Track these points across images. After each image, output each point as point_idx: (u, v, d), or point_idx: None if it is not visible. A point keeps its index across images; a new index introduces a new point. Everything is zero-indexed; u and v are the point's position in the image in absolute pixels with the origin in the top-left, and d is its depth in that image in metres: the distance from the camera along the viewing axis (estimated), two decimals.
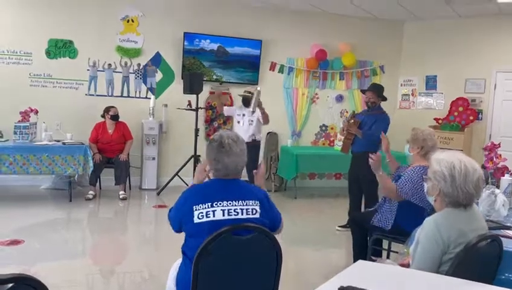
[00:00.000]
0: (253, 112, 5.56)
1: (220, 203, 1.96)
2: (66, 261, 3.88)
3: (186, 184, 6.42)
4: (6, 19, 6.28)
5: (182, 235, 2.12)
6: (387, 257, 3.62)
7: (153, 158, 6.70)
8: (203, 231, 1.88)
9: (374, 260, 3.15)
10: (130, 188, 6.45)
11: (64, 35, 6.50)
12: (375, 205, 3.76)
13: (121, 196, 5.99)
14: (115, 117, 6.17)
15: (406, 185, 3.22)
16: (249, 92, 5.74)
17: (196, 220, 1.95)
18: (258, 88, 5.63)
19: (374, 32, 7.66)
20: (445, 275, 1.76)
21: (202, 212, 1.95)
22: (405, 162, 3.67)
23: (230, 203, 1.97)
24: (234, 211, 1.96)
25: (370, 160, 3.37)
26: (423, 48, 7.64)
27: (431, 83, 7.69)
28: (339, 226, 5.12)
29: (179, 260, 2.24)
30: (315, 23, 7.42)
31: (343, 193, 5.98)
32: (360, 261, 1.83)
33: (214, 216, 1.94)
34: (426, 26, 7.63)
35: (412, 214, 3.13)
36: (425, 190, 2.06)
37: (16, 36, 6.30)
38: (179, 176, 6.39)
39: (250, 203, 2.01)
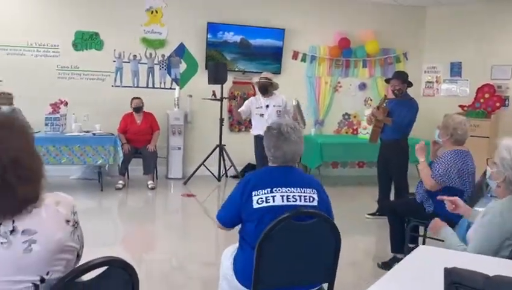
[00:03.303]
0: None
1: (280, 189, 2.01)
2: (98, 248, 3.91)
3: (212, 173, 6.50)
4: (34, 12, 6.37)
5: (212, 224, 2.13)
6: (423, 243, 3.64)
7: (179, 148, 6.78)
8: (263, 215, 1.93)
9: (412, 248, 3.19)
10: (156, 178, 6.54)
11: (90, 27, 6.57)
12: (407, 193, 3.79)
13: (149, 186, 6.09)
14: (138, 109, 6.24)
15: (439, 168, 3.25)
16: (267, 79, 5.22)
17: (255, 205, 1.99)
18: (295, 102, 5.19)
19: (397, 19, 7.58)
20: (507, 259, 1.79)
21: (262, 198, 1.99)
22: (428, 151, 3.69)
23: (289, 190, 2.02)
24: (293, 197, 2.01)
25: (417, 146, 3.51)
26: (447, 33, 7.53)
27: (456, 70, 7.60)
28: (368, 214, 5.13)
29: (232, 247, 2.28)
30: (338, 10, 7.37)
31: (365, 182, 5.99)
32: (421, 247, 1.86)
33: (273, 201, 1.99)
34: (449, 11, 7.51)
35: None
36: (487, 174, 2.07)
37: (43, 29, 6.38)
38: (204, 165, 6.45)
39: (307, 191, 2.05)
